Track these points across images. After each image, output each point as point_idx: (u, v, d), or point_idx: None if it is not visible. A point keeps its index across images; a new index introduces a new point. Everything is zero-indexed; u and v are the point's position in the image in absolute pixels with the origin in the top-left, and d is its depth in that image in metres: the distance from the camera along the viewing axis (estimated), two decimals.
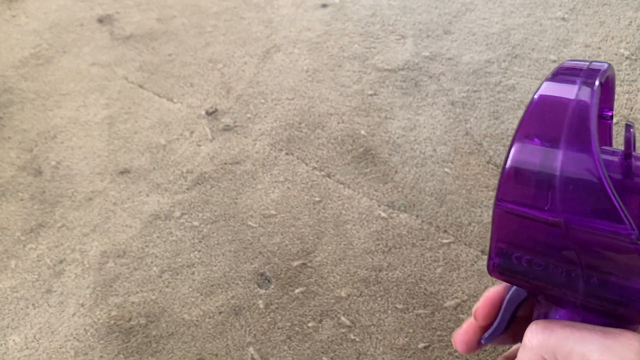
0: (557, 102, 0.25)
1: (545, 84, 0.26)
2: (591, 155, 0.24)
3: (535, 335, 0.27)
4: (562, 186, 0.25)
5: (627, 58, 0.74)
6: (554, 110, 0.25)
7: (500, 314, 0.31)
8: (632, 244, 0.24)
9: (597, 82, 0.25)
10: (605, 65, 0.26)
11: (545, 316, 0.29)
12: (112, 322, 0.67)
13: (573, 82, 0.26)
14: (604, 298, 0.26)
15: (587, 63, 0.26)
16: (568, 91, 0.25)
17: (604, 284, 0.25)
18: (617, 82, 0.72)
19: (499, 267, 0.28)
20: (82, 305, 0.69)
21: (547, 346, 0.27)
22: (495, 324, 0.31)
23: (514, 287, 0.30)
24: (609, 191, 0.24)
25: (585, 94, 0.25)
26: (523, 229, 0.26)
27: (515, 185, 0.25)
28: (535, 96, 0.25)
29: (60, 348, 0.66)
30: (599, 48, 0.76)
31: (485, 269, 0.63)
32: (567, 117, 0.25)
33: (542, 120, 0.25)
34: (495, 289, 0.32)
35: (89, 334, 0.67)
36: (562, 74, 0.26)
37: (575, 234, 0.25)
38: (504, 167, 0.25)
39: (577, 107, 0.25)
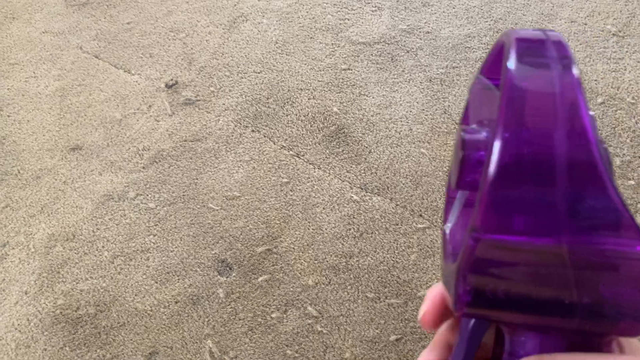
0: (539, 94, 0.21)
1: (515, 67, 0.21)
2: (594, 161, 0.20)
3: None
4: (567, 201, 0.20)
5: (614, 35, 0.70)
6: (539, 106, 0.21)
7: (463, 351, 0.25)
8: None
9: (574, 67, 0.21)
10: (562, 37, 0.22)
11: (514, 343, 0.24)
12: (58, 311, 0.61)
13: (547, 66, 0.21)
14: (604, 317, 0.22)
15: (542, 33, 0.22)
16: (546, 78, 0.21)
17: (600, 304, 0.21)
18: (603, 60, 0.69)
19: (469, 305, 0.23)
20: (26, 293, 0.63)
21: None
22: None
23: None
24: (617, 201, 0.20)
25: (569, 83, 0.21)
26: (504, 259, 0.22)
27: (502, 206, 0.21)
28: (508, 83, 0.20)
29: (0, 340, 0.60)
30: (585, 24, 0.72)
31: None
32: (558, 118, 0.20)
33: (525, 120, 0.21)
34: (438, 290, 0.26)
35: (32, 324, 0.61)
36: (528, 53, 0.22)
37: (577, 256, 0.21)
38: (483, 185, 0.20)
39: (567, 101, 0.20)
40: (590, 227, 0.20)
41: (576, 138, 0.20)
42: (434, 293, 0.26)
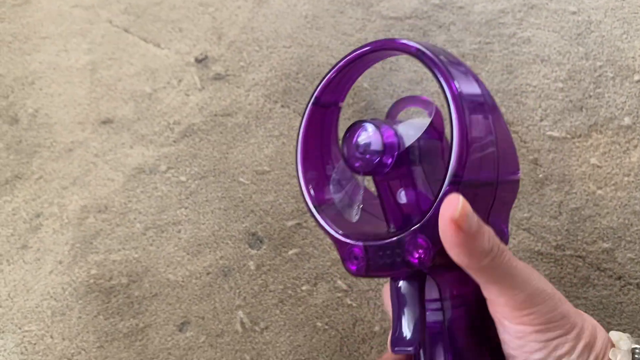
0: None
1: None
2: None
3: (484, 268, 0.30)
4: None
5: None
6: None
7: (417, 313, 0.32)
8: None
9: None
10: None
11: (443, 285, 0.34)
12: (91, 281, 0.62)
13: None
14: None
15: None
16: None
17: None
18: None
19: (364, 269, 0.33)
20: (60, 262, 0.64)
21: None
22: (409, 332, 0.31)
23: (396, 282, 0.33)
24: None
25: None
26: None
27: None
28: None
29: (36, 307, 0.62)
30: (623, 0, 0.70)
31: None
32: None
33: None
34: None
35: (67, 293, 0.62)
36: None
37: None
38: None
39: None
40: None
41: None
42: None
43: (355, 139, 0.33)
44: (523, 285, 0.30)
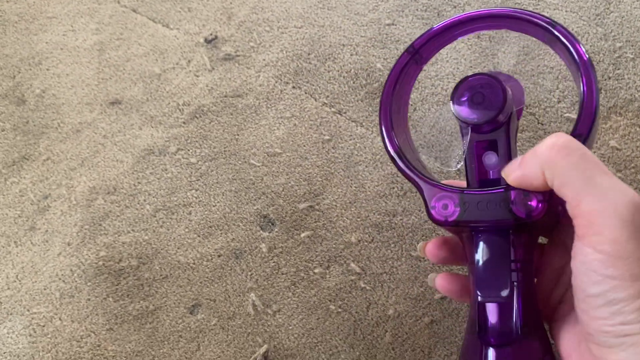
0: None
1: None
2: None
3: (561, 146, 0.29)
4: None
5: None
6: None
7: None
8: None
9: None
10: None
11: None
12: (100, 263, 0.62)
13: None
14: None
15: None
16: None
17: None
18: None
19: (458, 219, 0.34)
20: (69, 244, 0.64)
21: (562, 164, 0.29)
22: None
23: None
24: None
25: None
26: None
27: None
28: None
29: (45, 289, 0.61)
30: None
31: None
32: None
33: None
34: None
35: (75, 275, 0.62)
36: None
37: None
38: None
39: None
40: None
41: None
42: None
43: (478, 90, 0.33)
44: (596, 197, 0.28)
